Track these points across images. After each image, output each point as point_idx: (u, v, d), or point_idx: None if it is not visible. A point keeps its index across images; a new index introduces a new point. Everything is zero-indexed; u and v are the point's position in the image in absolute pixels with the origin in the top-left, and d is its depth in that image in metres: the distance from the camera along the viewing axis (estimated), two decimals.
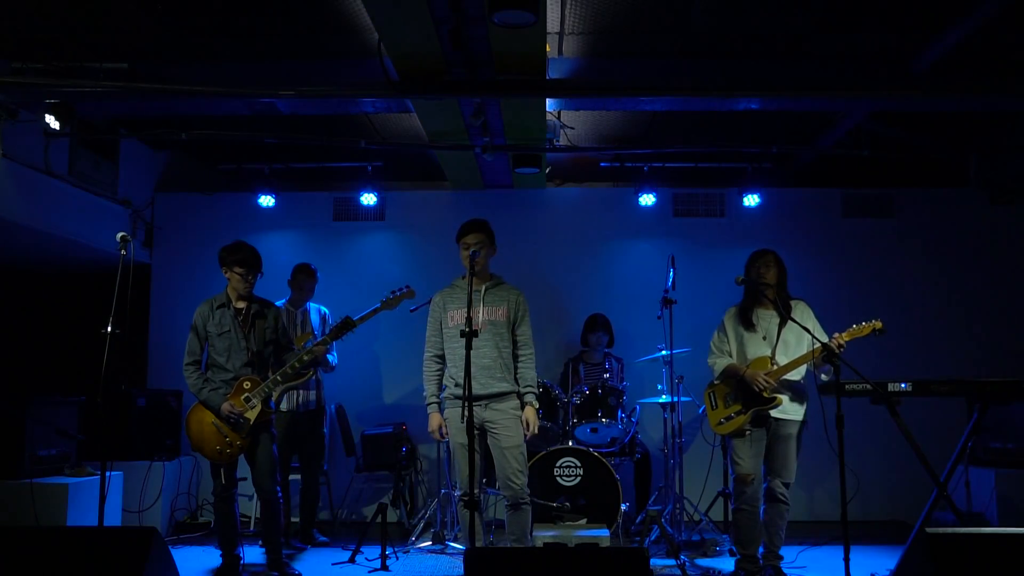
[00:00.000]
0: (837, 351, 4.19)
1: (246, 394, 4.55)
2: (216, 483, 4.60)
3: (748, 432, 4.59)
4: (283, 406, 5.67)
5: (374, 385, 7.14)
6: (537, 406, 4.49)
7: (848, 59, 5.37)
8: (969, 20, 4.64)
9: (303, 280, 6.01)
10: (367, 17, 4.58)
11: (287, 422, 5.66)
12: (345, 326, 4.75)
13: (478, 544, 4.24)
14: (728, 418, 4.66)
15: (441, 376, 4.54)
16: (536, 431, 4.45)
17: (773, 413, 4.54)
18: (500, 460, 4.35)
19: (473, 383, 4.09)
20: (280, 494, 4.72)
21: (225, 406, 4.51)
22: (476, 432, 4.26)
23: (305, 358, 4.64)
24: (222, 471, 4.58)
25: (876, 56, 5.36)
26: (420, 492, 6.89)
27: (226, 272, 4.65)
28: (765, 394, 4.49)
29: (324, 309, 6.13)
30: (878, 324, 4.34)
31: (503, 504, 4.43)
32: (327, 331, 6.00)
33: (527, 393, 4.43)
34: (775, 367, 4.53)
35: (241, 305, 4.68)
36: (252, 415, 4.54)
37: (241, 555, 4.70)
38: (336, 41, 5.27)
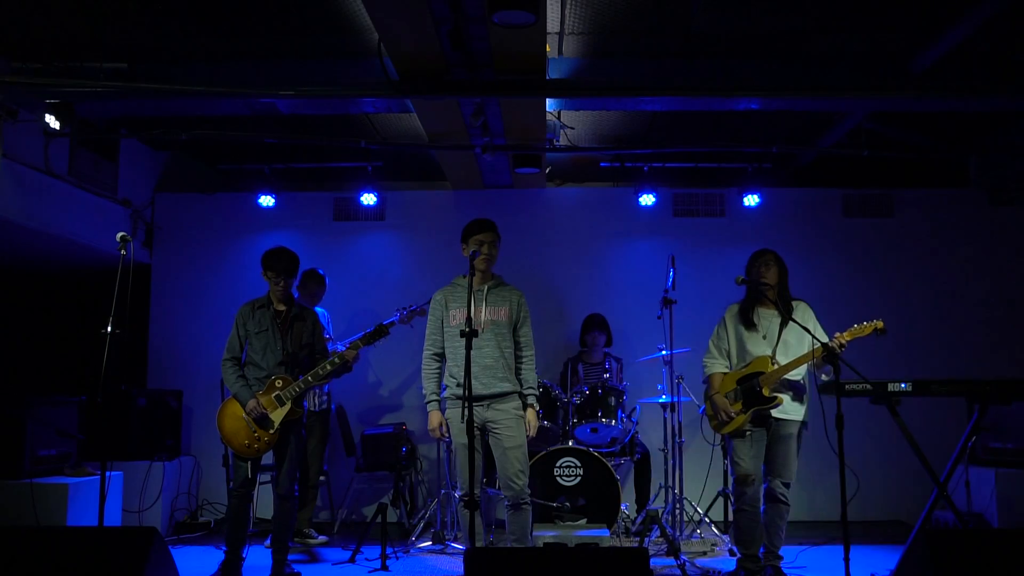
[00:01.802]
0: (838, 351, 4.20)
1: (277, 392, 4.63)
2: (238, 476, 4.65)
3: (748, 432, 4.59)
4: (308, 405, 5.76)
5: (374, 385, 7.14)
6: (538, 408, 4.52)
7: (848, 59, 5.38)
8: (969, 20, 4.64)
9: (314, 288, 6.03)
10: (367, 17, 4.58)
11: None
12: (378, 332, 4.91)
13: (478, 544, 4.24)
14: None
15: (440, 374, 4.54)
16: (535, 433, 4.46)
17: (774, 413, 4.54)
18: (502, 460, 4.34)
19: (475, 383, 4.09)
20: (297, 493, 4.82)
21: (251, 402, 4.60)
22: (477, 432, 4.27)
23: (337, 361, 4.77)
24: (248, 465, 4.64)
25: (876, 56, 5.36)
26: (420, 492, 6.88)
27: (264, 276, 4.79)
28: (765, 392, 4.50)
29: (323, 311, 6.12)
30: (879, 324, 4.34)
31: (503, 504, 4.43)
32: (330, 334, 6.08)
33: (529, 395, 4.44)
34: (775, 367, 4.53)
35: (281, 308, 4.80)
36: (279, 414, 4.62)
37: (244, 556, 4.70)
38: (336, 41, 5.27)
